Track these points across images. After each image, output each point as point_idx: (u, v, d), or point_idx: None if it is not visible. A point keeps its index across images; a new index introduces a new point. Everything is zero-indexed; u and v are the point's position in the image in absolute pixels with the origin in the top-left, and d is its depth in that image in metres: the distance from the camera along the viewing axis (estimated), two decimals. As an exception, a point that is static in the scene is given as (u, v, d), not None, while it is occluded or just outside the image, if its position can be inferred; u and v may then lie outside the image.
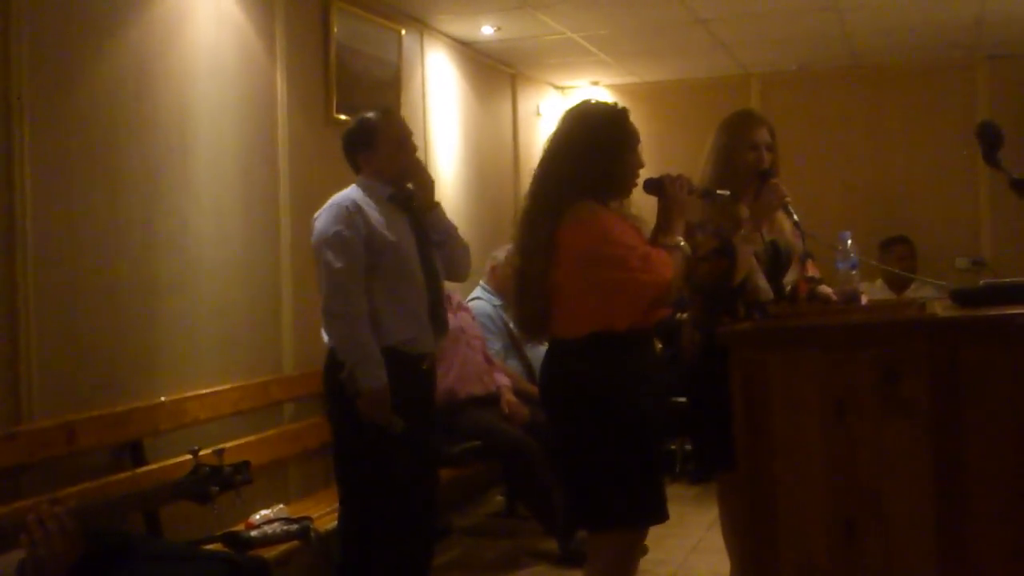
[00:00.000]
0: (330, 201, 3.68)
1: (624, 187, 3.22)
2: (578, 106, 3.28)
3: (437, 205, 3.81)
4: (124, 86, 3.77)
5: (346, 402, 3.55)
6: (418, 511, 3.69)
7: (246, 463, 2.53)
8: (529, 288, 3.17)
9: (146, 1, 3.88)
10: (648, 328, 3.21)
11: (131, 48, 3.80)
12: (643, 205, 3.34)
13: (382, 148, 3.71)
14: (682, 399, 3.78)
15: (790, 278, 3.58)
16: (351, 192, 3.68)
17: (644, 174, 3.28)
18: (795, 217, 3.44)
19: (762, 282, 3.40)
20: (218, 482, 2.44)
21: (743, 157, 3.52)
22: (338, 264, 3.55)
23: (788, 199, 3.44)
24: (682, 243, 3.18)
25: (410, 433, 3.58)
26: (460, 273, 3.96)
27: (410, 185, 3.76)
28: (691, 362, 3.60)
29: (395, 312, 3.63)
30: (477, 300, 5.83)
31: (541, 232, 3.11)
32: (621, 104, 3.31)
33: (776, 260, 3.52)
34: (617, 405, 3.07)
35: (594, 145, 3.13)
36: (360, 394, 3.51)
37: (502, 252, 5.87)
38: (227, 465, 2.47)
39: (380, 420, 3.53)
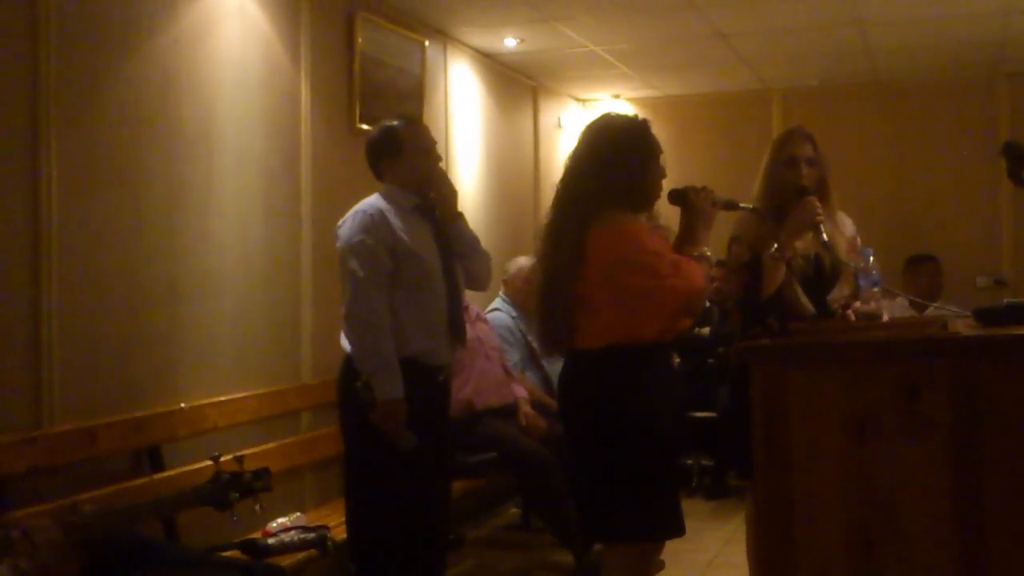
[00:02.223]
0: (354, 208, 3.67)
1: (649, 198, 3.23)
2: (600, 119, 3.29)
3: (460, 216, 3.79)
4: (150, 95, 3.80)
5: (360, 413, 3.53)
6: (429, 524, 3.67)
7: (266, 470, 2.54)
8: (554, 301, 3.17)
9: (173, 11, 3.92)
10: (668, 341, 3.21)
11: (157, 57, 3.83)
12: (666, 216, 3.36)
13: (407, 156, 3.69)
14: (700, 414, 3.79)
15: (838, 295, 3.55)
16: (375, 200, 3.67)
17: (664, 187, 3.29)
18: (824, 236, 3.42)
19: (802, 297, 3.39)
20: (238, 488, 2.45)
21: (782, 173, 3.52)
22: (361, 272, 3.54)
23: (820, 217, 3.42)
24: (708, 253, 3.20)
25: (423, 446, 3.56)
26: (481, 283, 3.95)
27: (432, 195, 3.73)
28: (734, 373, 3.61)
29: (415, 323, 3.61)
30: (496, 312, 5.84)
31: (567, 244, 3.12)
32: (641, 116, 3.32)
33: (818, 275, 3.51)
34: (637, 417, 3.07)
35: (617, 157, 3.14)
36: (375, 405, 3.50)
37: (517, 263, 5.90)
38: (247, 472, 2.48)
39: (392, 434, 3.50)
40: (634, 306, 3.07)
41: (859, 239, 3.65)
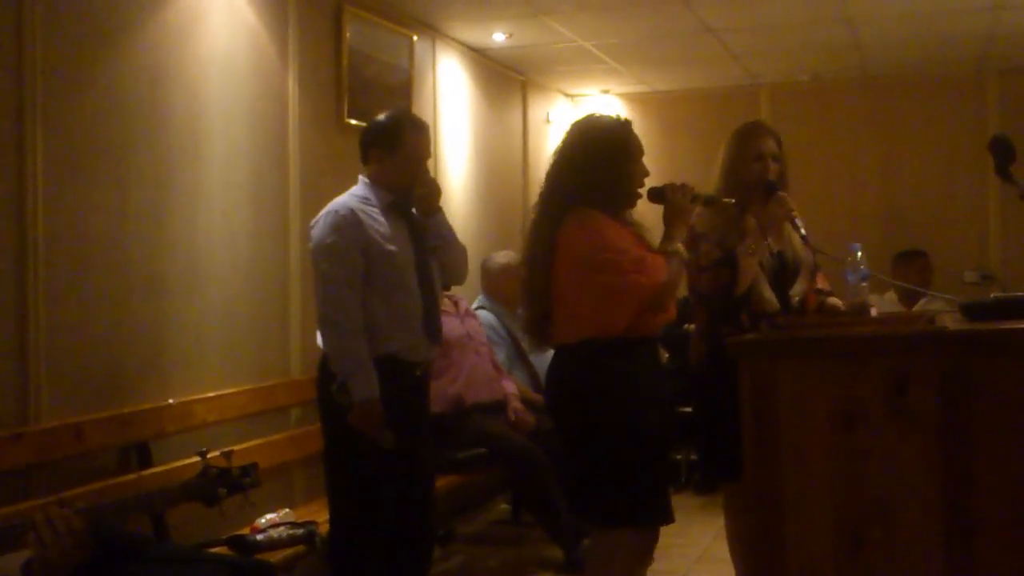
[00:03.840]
0: (327, 207, 3.64)
1: (627, 197, 3.30)
2: (582, 120, 3.37)
3: (439, 210, 3.78)
4: (137, 88, 3.78)
5: (338, 413, 3.53)
6: (411, 523, 3.67)
7: (254, 465, 2.53)
8: (532, 294, 3.28)
9: (160, 4, 3.90)
10: (648, 334, 3.26)
11: (144, 50, 3.82)
12: (655, 214, 3.37)
13: (400, 158, 3.66)
14: (688, 409, 3.79)
15: (798, 290, 3.59)
16: (347, 199, 3.64)
17: (653, 182, 3.33)
18: (802, 231, 3.44)
19: (768, 293, 3.42)
20: (226, 484, 2.44)
21: (748, 168, 3.54)
22: (333, 273, 3.53)
23: (795, 212, 3.45)
24: (680, 249, 3.25)
25: (402, 443, 3.55)
26: (458, 276, 3.95)
27: (417, 191, 3.71)
28: (697, 372, 3.62)
29: (391, 321, 3.60)
30: (480, 310, 5.82)
31: (542, 239, 3.22)
32: (624, 116, 3.38)
33: (783, 271, 3.53)
34: (610, 409, 3.14)
35: (594, 157, 3.22)
36: (352, 406, 3.49)
37: (493, 260, 5.89)
38: (235, 467, 2.47)
39: (371, 433, 3.50)
40: (600, 302, 3.14)
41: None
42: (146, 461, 3.70)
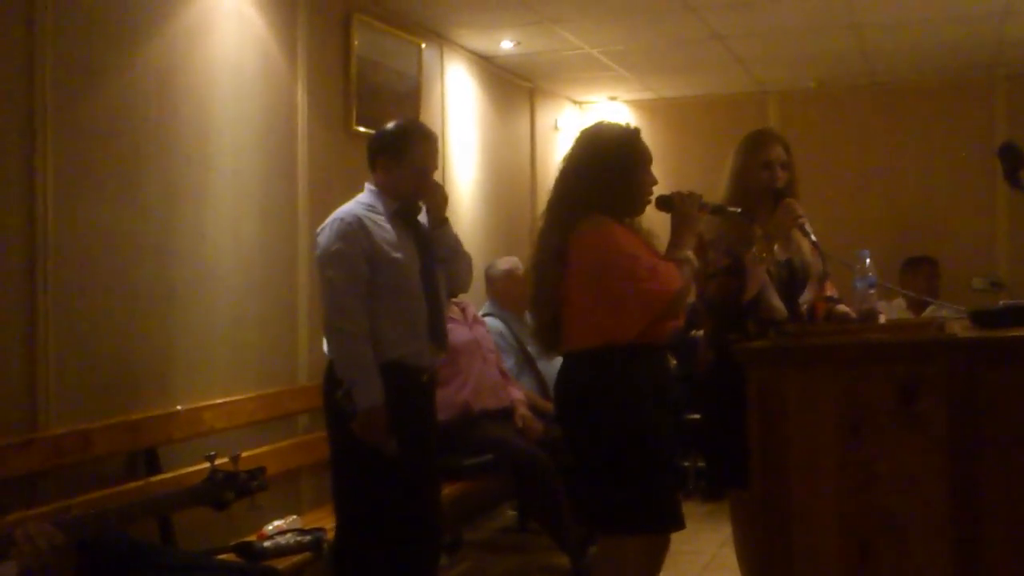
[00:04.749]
0: (333, 215, 3.65)
1: (635, 205, 3.31)
2: (590, 128, 3.37)
3: (446, 221, 3.79)
4: (146, 97, 3.79)
5: (344, 420, 3.53)
6: (417, 530, 3.67)
7: (261, 469, 2.54)
8: (542, 300, 3.27)
9: (169, 13, 3.91)
10: (658, 342, 3.26)
11: (153, 59, 3.83)
12: (662, 222, 3.37)
13: (405, 167, 3.66)
14: (695, 416, 3.79)
15: (807, 297, 3.58)
16: (353, 206, 3.66)
17: (660, 189, 3.33)
18: (812, 237, 3.45)
19: (776, 301, 3.41)
20: (233, 488, 2.44)
21: (756, 176, 3.54)
22: (339, 280, 3.54)
23: (803, 219, 3.45)
24: (691, 256, 3.25)
25: (409, 449, 3.55)
26: (463, 286, 3.97)
27: (424, 201, 3.73)
28: (704, 379, 3.62)
29: (396, 327, 3.60)
30: (488, 317, 5.82)
31: (552, 246, 3.21)
32: (633, 124, 3.38)
33: (791, 279, 3.53)
34: (619, 415, 3.13)
35: (603, 165, 3.22)
36: (356, 413, 3.49)
37: (497, 267, 5.89)
38: (242, 471, 2.48)
39: (375, 441, 3.50)
40: (613, 308, 3.13)
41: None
42: (154, 468, 3.70)
